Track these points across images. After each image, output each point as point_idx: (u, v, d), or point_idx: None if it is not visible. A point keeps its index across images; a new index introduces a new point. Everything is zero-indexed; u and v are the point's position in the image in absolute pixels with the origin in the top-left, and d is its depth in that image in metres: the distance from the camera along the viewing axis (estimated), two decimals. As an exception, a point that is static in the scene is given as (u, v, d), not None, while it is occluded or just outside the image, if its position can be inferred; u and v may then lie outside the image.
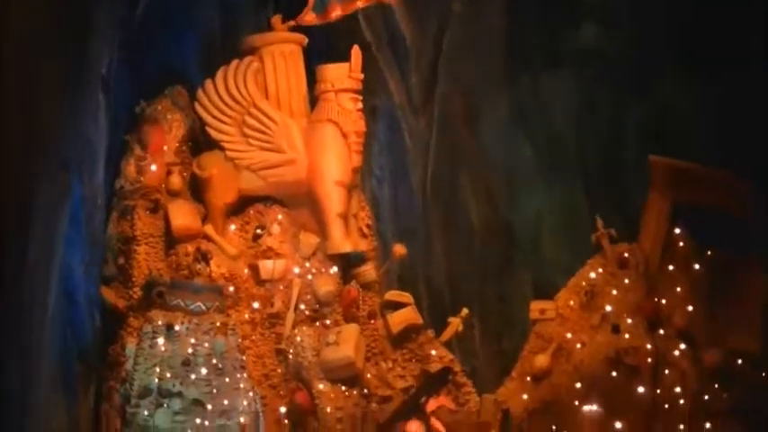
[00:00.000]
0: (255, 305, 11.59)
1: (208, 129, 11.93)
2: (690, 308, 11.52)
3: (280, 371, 11.47)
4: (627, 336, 11.45)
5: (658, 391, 11.25)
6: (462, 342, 12.41)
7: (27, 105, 9.60)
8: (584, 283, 11.91)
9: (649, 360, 11.32)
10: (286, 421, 11.32)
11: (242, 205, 11.95)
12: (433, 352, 11.82)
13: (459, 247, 12.95)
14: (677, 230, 11.81)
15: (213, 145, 11.93)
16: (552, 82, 13.02)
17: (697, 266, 11.68)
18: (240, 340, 10.95)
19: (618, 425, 10.42)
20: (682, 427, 11.02)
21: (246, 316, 11.51)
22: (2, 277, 9.24)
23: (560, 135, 12.93)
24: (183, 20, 12.13)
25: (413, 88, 12.98)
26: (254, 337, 11.49)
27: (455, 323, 12.11)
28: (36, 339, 9.87)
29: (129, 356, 10.77)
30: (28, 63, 9.59)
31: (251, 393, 10.72)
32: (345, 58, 11.79)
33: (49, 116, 9.92)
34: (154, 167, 11.70)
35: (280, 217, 11.88)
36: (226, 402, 10.48)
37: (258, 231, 11.83)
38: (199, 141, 12.04)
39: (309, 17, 12.08)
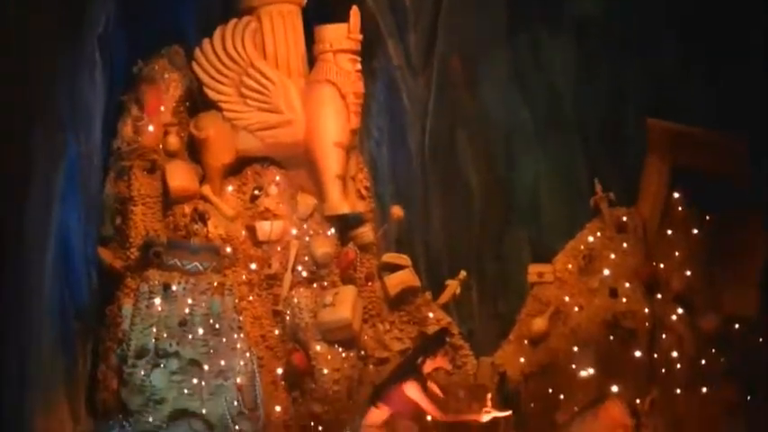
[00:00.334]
0: (253, 266, 11.58)
1: (205, 89, 11.86)
2: (688, 272, 11.52)
3: (277, 332, 11.49)
4: (624, 300, 11.44)
5: (655, 355, 11.27)
6: (460, 305, 12.41)
7: (23, 65, 9.55)
8: (582, 247, 11.90)
9: (646, 324, 11.33)
10: (283, 382, 11.36)
11: (239, 166, 11.91)
12: (431, 314, 11.84)
13: (457, 209, 12.93)
14: (676, 195, 11.79)
15: (211, 105, 11.86)
16: (552, 43, 12.97)
17: (695, 231, 11.66)
18: (237, 301, 10.95)
19: (614, 388, 10.40)
20: (678, 391, 11.02)
21: (244, 277, 11.49)
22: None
23: (560, 97, 12.89)
24: (180, -21, 12.08)
25: (411, 49, 12.91)
26: (251, 299, 11.48)
27: (453, 286, 12.12)
28: (33, 300, 9.88)
29: (126, 317, 10.78)
30: (25, 22, 9.55)
31: (248, 354, 10.73)
32: (344, 18, 11.71)
33: (45, 76, 9.90)
34: (151, 128, 11.65)
35: (277, 178, 11.85)
36: (222, 363, 10.50)
37: (255, 192, 11.81)
38: (196, 102, 11.98)
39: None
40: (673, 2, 12.38)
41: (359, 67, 11.82)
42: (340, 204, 11.72)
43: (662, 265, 11.61)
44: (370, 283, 11.81)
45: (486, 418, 9.75)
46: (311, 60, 11.95)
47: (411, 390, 9.61)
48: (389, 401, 9.73)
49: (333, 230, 11.79)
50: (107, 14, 10.98)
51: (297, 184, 11.87)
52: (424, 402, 9.63)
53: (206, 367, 10.42)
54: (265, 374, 11.14)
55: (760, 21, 11.73)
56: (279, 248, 11.63)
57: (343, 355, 11.39)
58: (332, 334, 11.34)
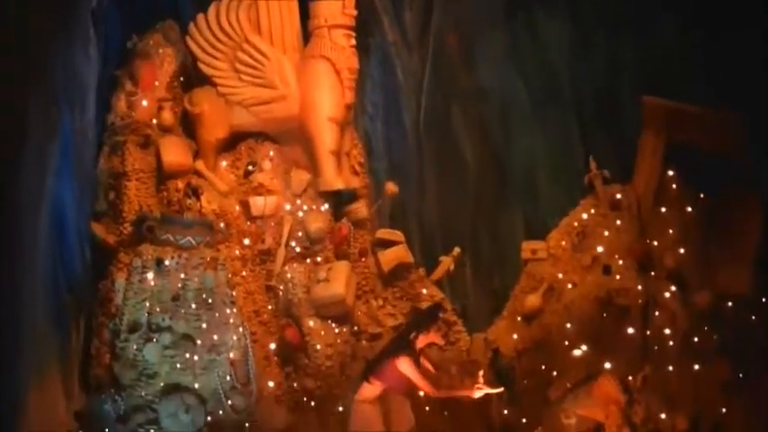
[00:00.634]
0: (246, 241, 11.59)
1: (199, 64, 11.85)
2: (681, 250, 11.51)
3: (270, 307, 11.50)
4: (618, 277, 11.45)
5: (648, 332, 11.25)
6: (453, 281, 12.42)
7: (16, 39, 9.51)
8: (576, 224, 11.91)
9: (640, 301, 11.33)
10: (275, 357, 11.37)
11: (233, 141, 11.91)
12: (424, 290, 11.85)
13: (451, 185, 12.90)
14: (670, 173, 11.78)
15: (205, 80, 11.85)
16: (548, 20, 12.89)
17: (689, 209, 11.65)
18: (230, 275, 10.95)
19: (607, 365, 10.42)
20: (671, 368, 11.02)
21: (237, 252, 11.50)
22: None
23: (555, 74, 12.83)
24: (174, -47, 12.02)
25: (407, 25, 12.84)
26: (244, 274, 11.49)
27: (446, 262, 12.12)
28: (27, 275, 9.86)
29: (119, 291, 10.79)
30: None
31: (240, 329, 10.74)
32: (340, -6, 11.70)
33: (39, 50, 9.85)
34: (145, 103, 11.65)
35: (271, 153, 11.84)
36: (215, 337, 10.51)
37: (249, 168, 11.79)
38: (190, 77, 11.95)
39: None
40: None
41: (353, 42, 11.80)
42: (334, 180, 11.72)
43: (656, 243, 11.61)
44: (363, 259, 11.82)
45: (478, 394, 9.73)
46: (306, 36, 11.93)
47: (404, 365, 9.61)
48: (382, 377, 9.74)
49: (326, 206, 11.79)
50: (101, -11, 10.96)
51: (291, 159, 11.86)
52: (416, 378, 9.63)
53: (199, 342, 10.42)
54: (258, 350, 11.17)
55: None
56: (272, 224, 11.64)
57: (337, 330, 11.40)
58: (325, 309, 11.35)
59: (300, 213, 11.69)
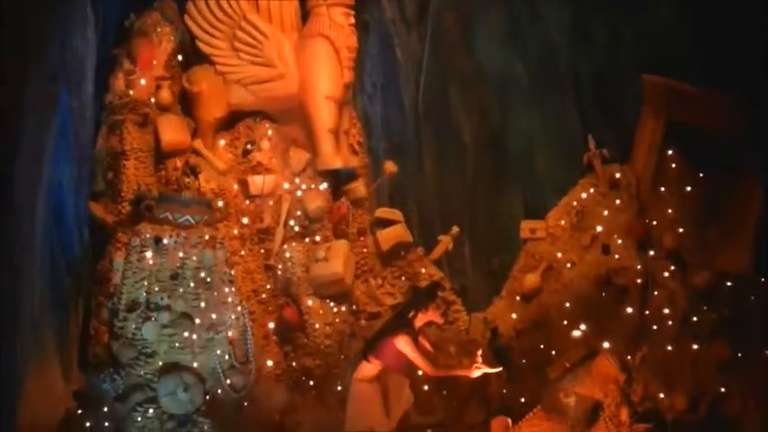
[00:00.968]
0: (245, 221, 11.60)
1: (198, 42, 11.84)
2: (680, 230, 11.51)
3: (268, 286, 11.51)
4: (617, 256, 11.47)
5: (647, 311, 11.26)
6: (452, 260, 12.42)
7: (14, 17, 9.46)
8: (575, 203, 11.91)
9: (638, 281, 11.34)
10: (274, 336, 11.37)
11: (232, 120, 11.90)
12: (423, 270, 11.87)
13: (450, 164, 12.87)
14: (669, 152, 11.76)
15: (203, 59, 11.83)
16: (547, -1, 12.88)
17: (688, 188, 11.64)
18: (228, 254, 10.94)
19: (606, 344, 10.42)
20: (669, 347, 11.02)
21: (236, 231, 11.51)
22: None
23: (554, 53, 12.79)
24: (172, -70, 11.96)
25: (406, 2, 12.80)
26: (243, 253, 11.50)
27: (445, 241, 12.12)
28: (25, 255, 9.83)
29: (118, 271, 10.76)
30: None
31: (239, 307, 10.73)
32: (338, -29, 11.66)
33: (36, 29, 9.79)
34: (143, 81, 11.62)
35: (270, 132, 11.83)
36: (214, 316, 10.48)
37: (248, 147, 11.78)
38: (188, 55, 11.92)
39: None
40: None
41: (352, 20, 11.79)
42: (333, 159, 11.70)
43: (654, 222, 11.62)
44: (362, 238, 11.83)
45: (476, 373, 9.70)
46: (304, 14, 11.90)
47: (402, 344, 9.60)
48: (381, 355, 9.73)
49: (325, 185, 11.79)
50: (99, -33, 10.91)
51: (289, 138, 11.85)
52: (414, 357, 9.63)
53: (197, 321, 10.40)
54: (257, 329, 11.17)
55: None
56: (271, 203, 11.64)
57: (335, 309, 11.41)
58: (324, 288, 11.35)
59: (299, 192, 11.69)
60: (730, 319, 11.13)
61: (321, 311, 11.34)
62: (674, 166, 11.74)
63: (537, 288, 11.71)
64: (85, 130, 11.12)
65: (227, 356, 10.51)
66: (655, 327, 11.14)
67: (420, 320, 9.77)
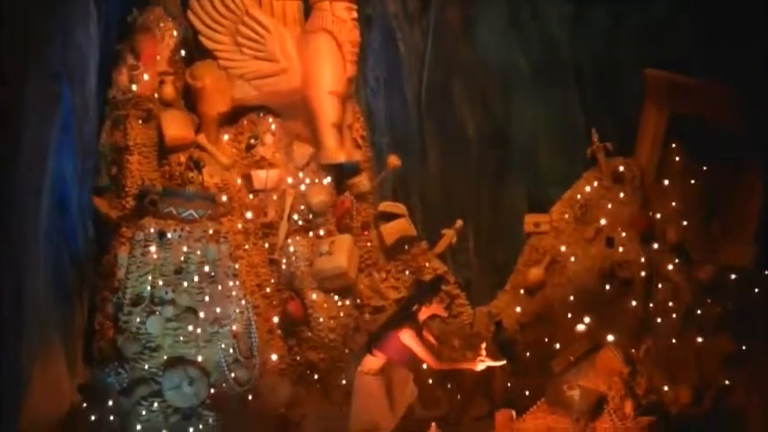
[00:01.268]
0: (249, 215, 11.60)
1: (201, 38, 11.83)
2: (684, 222, 11.51)
3: (272, 281, 11.51)
4: (621, 249, 11.47)
5: (651, 304, 11.26)
6: (456, 254, 12.44)
7: (14, 17, 9.47)
8: (578, 197, 11.91)
9: (642, 274, 11.34)
10: (279, 331, 11.38)
11: (235, 115, 11.90)
12: (427, 263, 11.88)
13: (453, 158, 12.89)
14: (673, 145, 11.76)
15: (206, 54, 11.83)
16: (549, -10, 12.88)
17: (692, 181, 11.64)
18: (232, 248, 10.95)
19: (610, 337, 10.42)
20: (673, 340, 11.02)
21: (240, 226, 11.51)
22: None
23: (557, 46, 12.80)
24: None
25: (408, -3, 12.86)
26: (246, 247, 11.49)
27: (449, 235, 12.13)
28: (29, 250, 9.85)
29: (122, 265, 10.75)
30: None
31: (243, 301, 10.74)
32: (341, -34, 11.65)
33: (39, 24, 9.80)
34: (146, 77, 11.60)
35: (273, 127, 11.84)
36: (218, 310, 10.49)
37: (251, 141, 11.79)
38: (192, 50, 11.92)
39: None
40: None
41: (355, 15, 11.79)
42: (336, 153, 11.70)
43: (658, 215, 11.62)
44: (366, 232, 11.83)
45: (480, 366, 9.71)
46: (307, 9, 11.91)
47: (406, 337, 9.61)
48: (385, 348, 9.74)
49: (329, 179, 11.79)
50: (101, -38, 10.91)
51: (293, 132, 11.86)
52: (419, 350, 9.63)
53: (201, 314, 10.41)
54: (261, 323, 11.18)
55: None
56: (275, 197, 11.65)
57: (339, 303, 11.42)
58: (328, 282, 11.36)
59: (303, 186, 11.70)
60: (734, 312, 11.13)
61: (325, 305, 11.35)
62: (677, 159, 11.75)
63: (541, 281, 11.71)
64: (89, 126, 11.12)
65: (231, 350, 10.52)
66: (659, 320, 11.15)
67: (424, 314, 9.77)
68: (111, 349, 10.63)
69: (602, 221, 11.66)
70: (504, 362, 10.14)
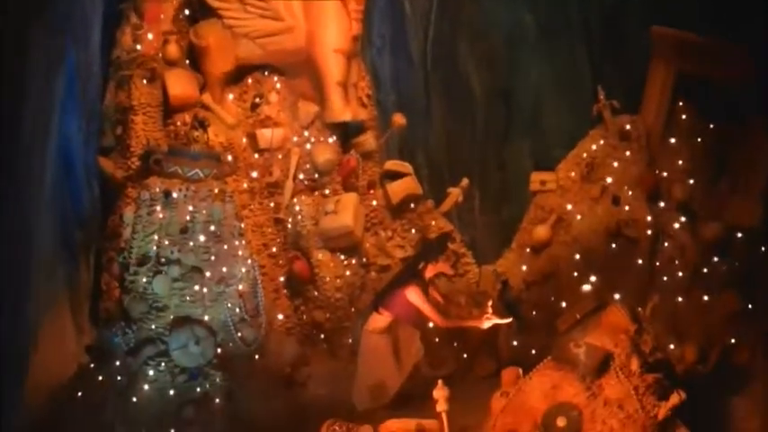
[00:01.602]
0: (254, 174, 11.58)
1: (205, -4, 11.77)
2: (691, 181, 11.47)
3: (278, 240, 11.51)
4: (627, 208, 11.44)
5: (657, 263, 11.25)
6: (462, 212, 12.42)
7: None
8: (584, 155, 11.85)
9: (648, 232, 11.32)
10: (285, 290, 11.39)
11: (240, 74, 11.84)
12: (433, 222, 11.85)
13: (459, 116, 12.85)
14: (680, 103, 11.70)
15: (211, 13, 11.74)
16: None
17: (699, 140, 11.59)
18: (238, 208, 10.94)
19: (616, 295, 10.41)
20: (679, 298, 11.02)
21: (245, 185, 11.49)
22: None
23: (563, 3, 12.72)
24: None
25: (413, -46, 12.76)
26: (252, 207, 11.49)
27: (455, 193, 12.10)
28: (34, 210, 9.83)
29: (128, 225, 10.75)
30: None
31: (249, 261, 10.74)
32: (345, -77, 11.56)
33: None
34: (150, 36, 11.53)
35: (278, 86, 11.80)
36: (224, 269, 10.50)
37: (256, 100, 11.75)
38: (196, 9, 11.84)
39: None
40: None
41: (360, -28, 11.71)
42: (341, 111, 11.67)
43: (665, 174, 11.57)
44: (371, 191, 11.81)
45: (486, 324, 9.74)
46: (312, -33, 11.84)
47: (412, 295, 9.62)
48: (391, 307, 9.76)
49: (334, 138, 11.76)
50: None
51: (298, 91, 11.81)
52: (425, 308, 9.65)
53: (207, 274, 10.41)
54: (267, 283, 11.18)
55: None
56: (280, 156, 11.62)
57: (345, 262, 11.42)
58: (334, 241, 11.36)
59: (308, 145, 11.67)
60: (741, 270, 11.11)
61: (331, 264, 11.35)
62: (684, 117, 11.68)
63: (547, 240, 11.68)
64: (93, 85, 11.08)
65: (237, 309, 10.53)
66: (665, 278, 11.13)
67: (430, 272, 9.78)
68: (117, 309, 10.64)
69: (609, 180, 11.62)
70: (510, 319, 10.17)
